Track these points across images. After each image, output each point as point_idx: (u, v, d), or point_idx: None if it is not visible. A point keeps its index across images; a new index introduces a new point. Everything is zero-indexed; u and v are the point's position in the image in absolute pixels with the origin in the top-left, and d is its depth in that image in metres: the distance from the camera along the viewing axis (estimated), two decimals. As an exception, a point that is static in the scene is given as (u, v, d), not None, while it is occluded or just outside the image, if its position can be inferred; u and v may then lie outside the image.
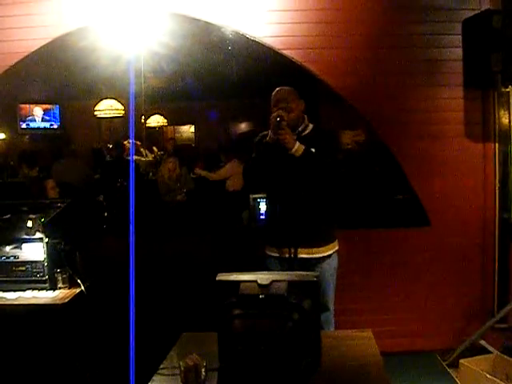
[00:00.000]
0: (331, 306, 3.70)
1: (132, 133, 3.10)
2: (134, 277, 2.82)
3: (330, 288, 3.69)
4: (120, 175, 6.46)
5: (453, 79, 4.58)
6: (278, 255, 3.67)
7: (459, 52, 4.55)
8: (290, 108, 3.57)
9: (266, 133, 3.65)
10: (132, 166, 3.08)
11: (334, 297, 3.72)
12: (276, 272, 3.44)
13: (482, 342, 4.46)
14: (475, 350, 4.42)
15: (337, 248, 3.74)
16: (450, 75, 4.59)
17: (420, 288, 4.70)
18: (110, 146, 9.34)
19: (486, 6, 4.43)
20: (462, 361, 4.20)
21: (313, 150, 3.52)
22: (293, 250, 3.56)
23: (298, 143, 3.46)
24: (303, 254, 3.59)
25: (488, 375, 3.92)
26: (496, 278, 4.68)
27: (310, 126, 3.72)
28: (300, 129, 3.65)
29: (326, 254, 3.65)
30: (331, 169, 3.56)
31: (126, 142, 8.83)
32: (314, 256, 3.62)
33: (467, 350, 4.43)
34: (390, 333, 4.45)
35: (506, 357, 4.16)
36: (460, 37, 4.53)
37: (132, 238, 2.77)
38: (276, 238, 3.70)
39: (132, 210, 2.78)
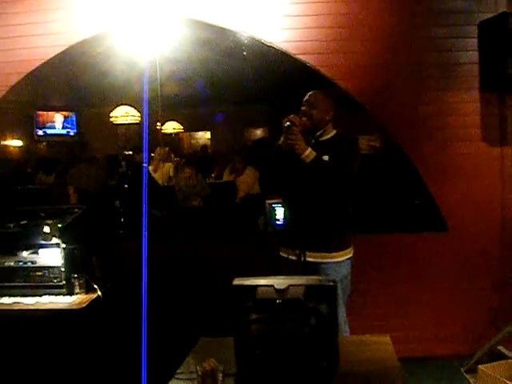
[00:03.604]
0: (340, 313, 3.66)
1: (146, 139, 3.10)
2: (151, 281, 2.84)
3: None
4: (135, 182, 6.50)
5: (469, 83, 4.55)
6: (287, 256, 3.67)
7: (475, 55, 4.52)
8: (309, 113, 3.58)
9: None
10: (145, 173, 3.09)
11: (344, 303, 3.65)
12: (293, 276, 3.44)
13: (501, 348, 4.42)
14: (494, 356, 4.37)
15: (349, 256, 3.68)
16: (466, 78, 4.56)
17: (438, 293, 4.66)
18: (127, 153, 9.40)
19: (502, 9, 4.40)
20: (480, 367, 4.16)
21: (326, 157, 3.49)
22: (301, 253, 3.54)
23: (309, 149, 3.43)
24: (310, 258, 3.55)
25: (507, 381, 3.88)
26: (515, 283, 4.64)
27: (332, 132, 3.69)
28: (318, 133, 3.63)
29: (333, 261, 3.59)
30: (343, 178, 3.48)
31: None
32: (320, 260, 3.58)
33: (486, 356, 4.39)
34: (408, 338, 4.42)
35: (525, 362, 4.13)
36: (476, 40, 4.50)
37: (145, 244, 2.79)
38: (287, 239, 3.70)
39: (145, 216, 2.80)
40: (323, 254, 3.59)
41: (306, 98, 3.66)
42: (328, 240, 3.61)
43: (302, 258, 3.53)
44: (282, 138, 3.51)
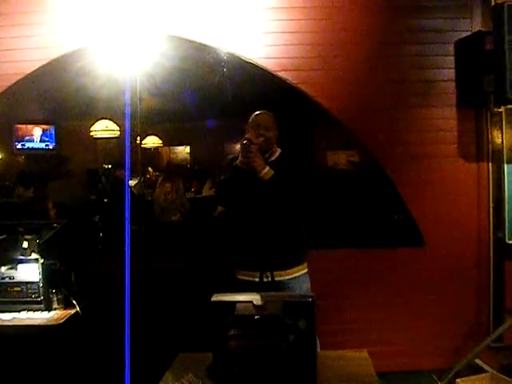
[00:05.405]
0: None
1: (128, 154, 3.10)
2: (130, 297, 2.82)
3: None
4: (115, 197, 6.48)
5: (446, 100, 4.62)
6: (246, 278, 3.65)
7: (452, 73, 4.60)
8: (264, 135, 3.60)
9: (234, 156, 3.66)
10: (127, 188, 3.08)
11: None
12: (272, 293, 3.44)
13: (478, 361, 4.44)
14: (471, 370, 4.40)
15: (306, 270, 3.71)
16: (443, 96, 4.63)
17: (415, 307, 4.68)
18: (106, 167, 9.36)
19: (477, 28, 4.49)
20: (458, 380, 4.19)
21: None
22: (260, 274, 3.58)
23: (267, 167, 3.48)
24: (267, 278, 3.59)
25: (484, 395, 3.91)
26: (491, 297, 4.68)
27: (278, 151, 3.73)
28: (267, 155, 3.65)
29: (291, 277, 3.62)
30: (297, 194, 3.54)
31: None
32: (280, 279, 3.60)
33: (463, 370, 4.41)
34: (386, 353, 4.43)
35: (502, 376, 4.15)
36: (453, 58, 4.58)
37: (127, 260, 2.78)
38: (244, 261, 3.70)
39: (128, 233, 2.79)
40: (279, 271, 3.60)
41: (260, 120, 3.67)
42: (286, 257, 3.63)
43: (269, 279, 3.56)
44: (240, 157, 3.53)
